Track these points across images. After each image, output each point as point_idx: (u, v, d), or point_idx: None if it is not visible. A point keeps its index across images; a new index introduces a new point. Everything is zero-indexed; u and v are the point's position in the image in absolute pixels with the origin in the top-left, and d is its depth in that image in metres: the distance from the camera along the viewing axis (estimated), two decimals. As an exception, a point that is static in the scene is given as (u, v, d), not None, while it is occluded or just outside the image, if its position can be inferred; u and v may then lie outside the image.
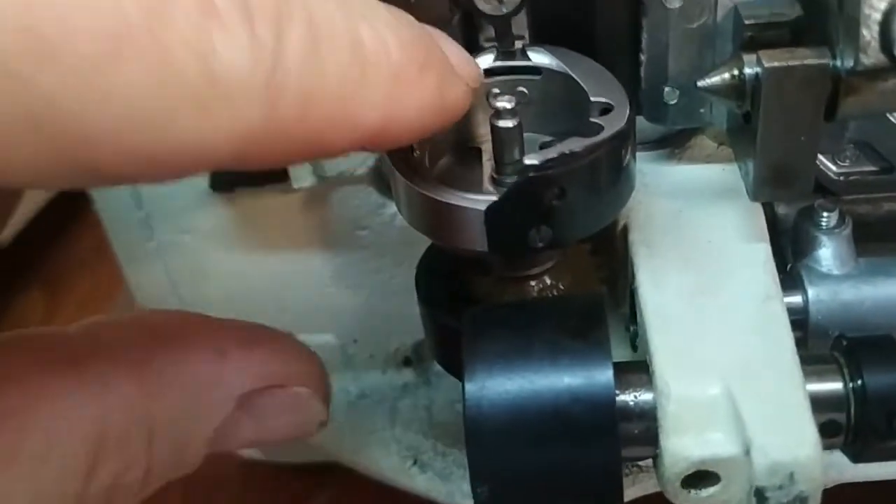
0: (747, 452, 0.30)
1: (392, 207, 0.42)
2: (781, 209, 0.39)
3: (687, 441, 0.31)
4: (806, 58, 0.31)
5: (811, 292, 0.36)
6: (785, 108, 0.32)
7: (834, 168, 0.39)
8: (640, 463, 0.41)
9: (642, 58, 0.37)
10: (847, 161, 0.39)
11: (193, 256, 0.44)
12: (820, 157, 0.39)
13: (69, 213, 0.65)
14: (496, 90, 0.36)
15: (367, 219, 0.43)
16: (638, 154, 0.39)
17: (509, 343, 0.31)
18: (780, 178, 0.33)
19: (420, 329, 0.41)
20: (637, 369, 0.33)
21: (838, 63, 0.31)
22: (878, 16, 0.29)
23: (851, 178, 0.39)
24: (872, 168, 0.39)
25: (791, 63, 0.31)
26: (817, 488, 0.29)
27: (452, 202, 0.32)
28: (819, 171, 0.39)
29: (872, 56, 0.30)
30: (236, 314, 0.46)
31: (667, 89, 0.37)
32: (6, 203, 0.59)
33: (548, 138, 0.37)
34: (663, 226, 0.37)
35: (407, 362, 0.48)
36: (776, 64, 0.31)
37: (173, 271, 0.45)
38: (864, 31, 0.29)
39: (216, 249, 0.44)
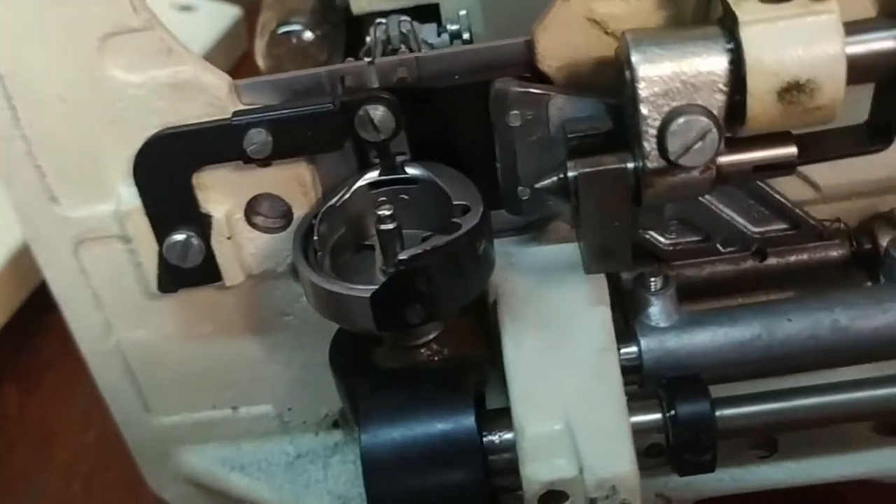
0: (581, 472, 0.38)
1: (310, 296, 0.50)
2: (624, 276, 0.48)
3: (538, 467, 0.39)
4: (609, 163, 0.41)
5: (643, 343, 0.45)
6: (598, 201, 0.41)
7: (663, 240, 0.48)
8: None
9: (498, 165, 0.46)
10: (673, 233, 0.48)
11: (148, 348, 0.52)
12: (651, 232, 0.48)
13: (39, 314, 0.73)
14: (382, 199, 0.45)
15: (290, 306, 0.51)
16: (506, 238, 0.48)
17: (394, 400, 0.40)
18: (603, 255, 0.42)
19: (344, 395, 0.49)
20: (502, 414, 0.41)
21: (638, 165, 0.41)
22: (653, 131, 0.39)
23: (678, 247, 0.48)
24: (694, 238, 0.48)
25: (597, 168, 0.40)
26: (636, 496, 0.38)
27: (345, 292, 0.41)
28: (651, 244, 0.48)
29: (654, 161, 0.39)
30: (184, 394, 0.54)
31: (520, 188, 0.46)
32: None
33: (427, 233, 0.46)
34: (525, 297, 0.46)
35: (335, 424, 0.56)
36: (585, 170, 0.40)
37: (131, 362, 0.53)
38: (645, 143, 0.39)
39: (167, 340, 0.52)
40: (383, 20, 0.56)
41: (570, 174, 0.41)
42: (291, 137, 0.44)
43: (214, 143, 0.44)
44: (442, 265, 0.40)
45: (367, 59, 0.45)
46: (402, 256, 0.40)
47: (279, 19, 0.64)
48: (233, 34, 0.92)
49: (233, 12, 0.93)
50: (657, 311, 0.45)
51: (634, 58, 0.38)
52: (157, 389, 0.54)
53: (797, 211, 0.47)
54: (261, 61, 0.64)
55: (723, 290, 0.49)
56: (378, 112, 0.43)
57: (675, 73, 0.38)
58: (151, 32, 0.43)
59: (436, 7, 0.60)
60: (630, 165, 0.41)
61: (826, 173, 0.47)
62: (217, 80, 0.45)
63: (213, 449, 0.56)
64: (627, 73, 0.39)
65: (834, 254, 0.48)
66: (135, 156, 0.45)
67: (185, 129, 0.44)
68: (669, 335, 0.44)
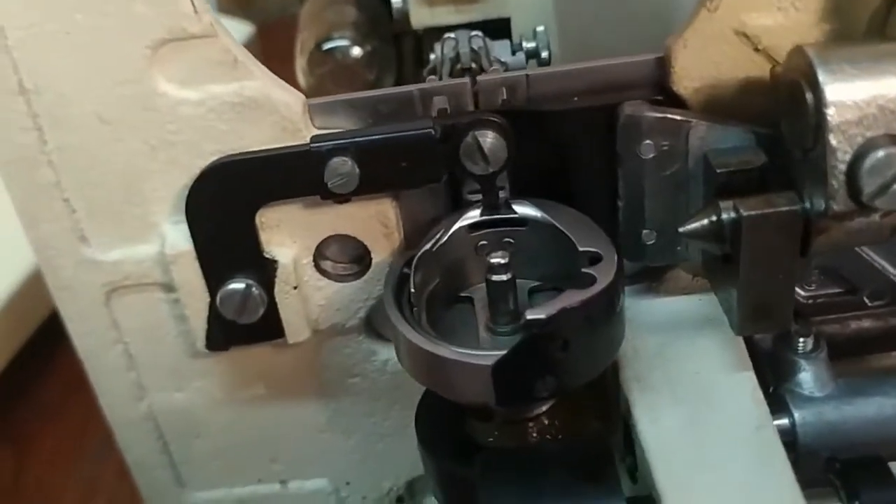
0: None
1: (383, 354, 0.43)
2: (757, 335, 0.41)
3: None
4: (780, 205, 0.34)
5: (797, 415, 0.38)
6: (764, 250, 0.34)
7: (802, 292, 0.42)
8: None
9: (620, 203, 0.39)
10: (814, 285, 0.42)
11: (186, 414, 0.44)
12: (788, 283, 0.41)
13: (32, 367, 0.64)
14: (484, 242, 0.38)
15: (359, 366, 0.44)
16: (618, 289, 0.41)
17: (522, 489, 0.32)
18: (762, 314, 0.35)
19: (412, 467, 0.41)
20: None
21: (808, 206, 0.34)
22: (843, 167, 0.32)
23: (819, 300, 0.42)
24: (838, 290, 0.42)
25: (767, 210, 0.34)
26: None
27: (458, 358, 0.33)
28: (788, 297, 0.41)
29: (841, 203, 0.32)
30: (226, 466, 0.46)
31: (645, 231, 0.39)
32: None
33: (534, 283, 0.39)
34: (651, 360, 0.39)
35: (399, 500, 0.48)
36: (754, 212, 0.34)
37: (165, 430, 0.45)
38: (833, 181, 0.32)
39: (209, 405, 0.44)
40: (451, 35, 0.50)
41: (728, 216, 0.34)
42: (382, 168, 0.37)
43: (287, 175, 0.37)
44: (581, 328, 0.33)
45: (472, 75, 0.38)
46: (534, 315, 0.32)
47: (320, 35, 0.58)
48: (245, 52, 0.85)
49: (245, 29, 0.86)
50: (810, 377, 0.38)
51: (823, 76, 0.32)
52: (193, 461, 0.46)
53: (957, 259, 0.41)
54: (302, 81, 0.57)
55: (870, 349, 0.42)
56: (488, 139, 0.36)
57: (872, 96, 0.31)
58: (213, 39, 0.36)
59: (506, 22, 0.53)
60: (801, 208, 0.34)
61: None
62: (290, 99, 0.37)
63: (256, 530, 0.48)
64: (809, 96, 0.32)
65: None
66: (188, 188, 0.37)
67: (252, 156, 0.37)
68: (828, 406, 0.38)
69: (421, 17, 0.53)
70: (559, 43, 0.54)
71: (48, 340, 0.53)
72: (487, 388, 0.33)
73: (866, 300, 0.42)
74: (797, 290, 0.41)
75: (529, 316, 0.33)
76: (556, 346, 0.33)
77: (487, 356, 0.33)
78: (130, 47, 0.36)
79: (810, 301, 0.42)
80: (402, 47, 0.60)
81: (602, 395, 0.40)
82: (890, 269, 0.41)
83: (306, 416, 0.45)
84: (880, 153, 0.31)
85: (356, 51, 0.56)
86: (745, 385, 0.37)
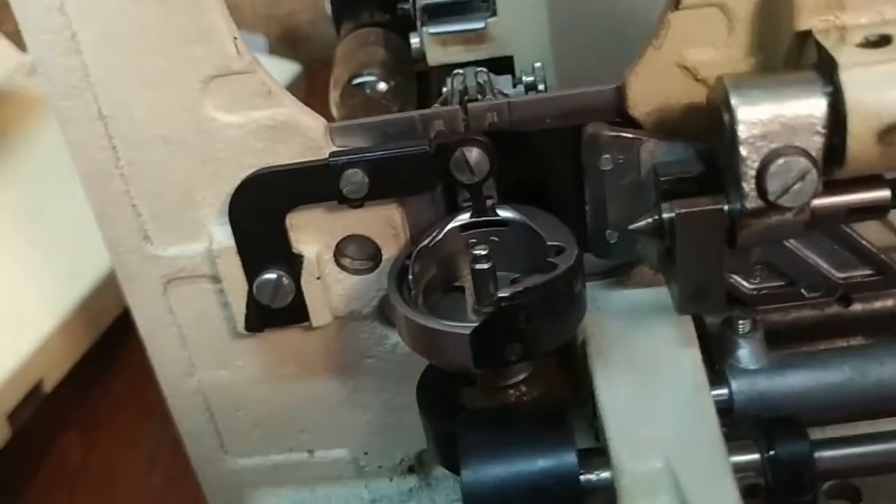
0: (685, 510, 0.38)
1: (393, 338, 0.51)
2: (709, 320, 0.49)
3: (640, 505, 0.39)
4: (705, 204, 0.41)
5: (734, 385, 0.45)
6: (693, 242, 0.41)
7: (747, 285, 0.48)
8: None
9: (587, 208, 0.46)
10: (758, 278, 0.49)
11: (229, 389, 0.52)
12: (735, 276, 0.48)
13: (103, 362, 0.73)
14: (473, 240, 0.46)
15: (373, 349, 0.51)
16: (591, 283, 0.49)
17: (493, 437, 0.40)
18: (697, 296, 0.43)
19: (420, 440, 0.49)
20: (598, 453, 0.41)
21: (732, 206, 0.41)
22: (752, 172, 0.39)
23: (762, 292, 0.49)
24: (779, 283, 0.49)
25: (694, 209, 0.41)
26: (740, 538, 0.38)
27: (443, 329, 0.41)
28: (735, 289, 0.48)
29: (753, 201, 0.40)
30: (262, 436, 0.55)
31: (608, 232, 0.47)
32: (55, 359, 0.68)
33: (517, 275, 0.46)
34: (614, 339, 0.46)
35: (411, 470, 0.56)
36: (683, 210, 0.41)
37: (211, 402, 0.53)
38: (744, 184, 0.40)
39: (249, 382, 0.52)
40: (461, 71, 0.58)
41: (666, 215, 0.42)
42: (387, 178, 0.45)
43: (310, 184, 0.45)
44: (541, 303, 0.41)
45: (463, 101, 0.46)
46: (502, 294, 0.40)
47: (352, 71, 0.66)
48: (292, 88, 0.93)
49: (292, 68, 0.95)
50: (746, 353, 0.45)
51: (734, 100, 0.39)
52: (235, 431, 0.54)
53: (882, 256, 0.48)
54: (335, 111, 0.66)
55: (807, 335, 0.49)
56: (473, 154, 0.44)
57: (774, 115, 0.39)
58: (253, 75, 0.45)
59: (510, 59, 0.61)
60: (725, 207, 0.41)
61: (912, 220, 0.47)
62: (313, 122, 0.46)
63: (287, 493, 0.56)
64: (726, 116, 0.40)
65: (919, 301, 0.49)
66: (231, 195, 0.46)
67: (282, 168, 0.46)
68: (760, 377, 0.45)
69: (436, 56, 0.61)
70: (556, 76, 0.62)
71: (118, 339, 0.62)
72: (467, 353, 0.41)
73: (804, 292, 0.48)
74: (743, 282, 0.48)
75: (499, 294, 0.41)
76: (520, 318, 0.40)
77: (466, 326, 0.41)
78: (187, 82, 0.44)
79: (755, 293, 0.48)
80: (425, 82, 0.69)
81: (573, 367, 0.47)
82: (823, 264, 0.48)
83: (329, 393, 0.53)
84: (781, 160, 0.39)
85: (382, 85, 0.64)
86: (690, 358, 0.44)
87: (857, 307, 0.49)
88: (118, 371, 0.71)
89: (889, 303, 0.49)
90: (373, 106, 0.65)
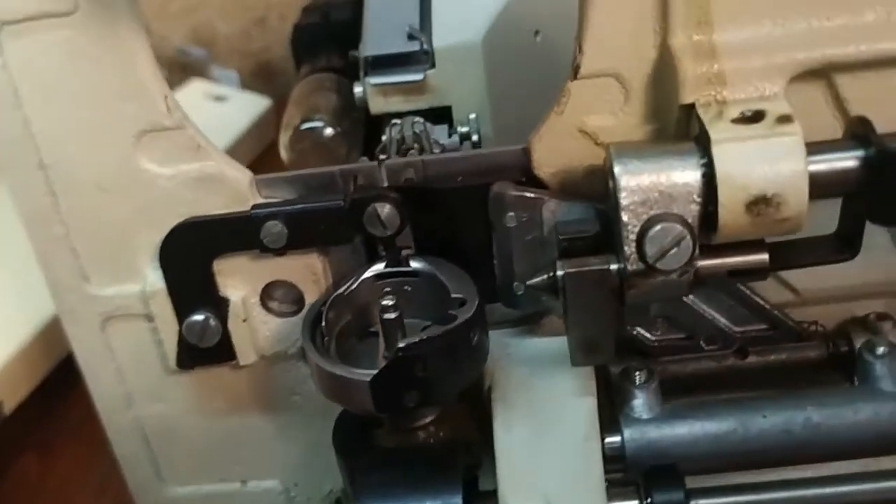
0: (559, 552, 0.41)
1: (318, 377, 0.54)
2: (614, 369, 0.51)
3: (519, 547, 0.42)
4: (593, 264, 0.44)
5: (626, 433, 0.47)
6: (583, 299, 0.44)
7: (650, 336, 0.51)
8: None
9: (495, 262, 0.49)
10: (659, 330, 0.51)
11: (165, 421, 0.55)
12: (638, 328, 0.51)
13: (62, 389, 0.76)
14: (387, 289, 0.49)
15: (299, 387, 0.54)
16: (503, 330, 0.51)
17: (389, 478, 0.43)
18: (588, 349, 0.45)
19: (346, 473, 0.51)
20: (490, 496, 0.44)
21: (620, 266, 0.44)
22: (633, 236, 0.42)
23: (664, 343, 0.51)
24: (679, 335, 0.51)
25: (582, 269, 0.44)
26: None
27: (347, 375, 0.44)
28: (638, 340, 0.51)
29: (634, 264, 0.42)
30: (197, 466, 0.57)
31: (515, 284, 0.49)
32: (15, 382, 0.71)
33: (427, 322, 0.49)
34: (517, 385, 0.49)
35: (339, 502, 0.58)
36: (572, 269, 0.44)
37: (148, 433, 0.56)
38: (626, 248, 0.42)
39: (183, 414, 0.55)
40: (398, 121, 0.61)
41: (559, 273, 0.45)
42: (305, 230, 0.48)
43: (234, 233, 0.48)
44: (438, 354, 0.43)
45: (379, 158, 0.49)
46: (400, 344, 0.43)
47: (303, 115, 0.69)
48: (263, 123, 0.98)
49: (263, 102, 0.98)
50: (640, 403, 0.48)
51: (616, 169, 0.42)
52: (171, 461, 0.57)
53: (776, 313, 0.50)
54: (284, 154, 0.69)
55: (706, 385, 0.51)
56: (385, 209, 0.47)
57: (653, 183, 0.42)
58: (182, 131, 0.48)
59: (448, 109, 0.64)
60: (614, 267, 0.44)
61: (804, 278, 0.50)
62: (239, 175, 0.49)
63: (221, 520, 0.58)
64: (611, 183, 0.43)
65: (812, 354, 0.51)
66: (161, 242, 0.49)
67: (209, 219, 0.49)
68: (651, 427, 0.47)
69: (377, 105, 0.64)
70: (493, 126, 0.65)
71: (76, 368, 0.64)
72: (368, 398, 0.44)
73: (703, 344, 0.51)
74: (645, 333, 0.51)
75: (399, 344, 0.43)
76: (418, 367, 0.43)
77: (367, 374, 0.44)
78: (122, 135, 0.47)
79: (656, 344, 0.51)
80: (376, 128, 0.72)
81: (480, 410, 0.50)
82: (720, 318, 0.51)
83: (258, 426, 0.56)
84: (658, 227, 0.41)
85: (329, 131, 0.67)
86: (585, 407, 0.47)
87: (753, 360, 0.51)
88: (75, 398, 0.74)
89: (783, 356, 0.51)
90: (321, 150, 0.68)
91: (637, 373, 0.49)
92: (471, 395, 0.49)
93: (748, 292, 0.50)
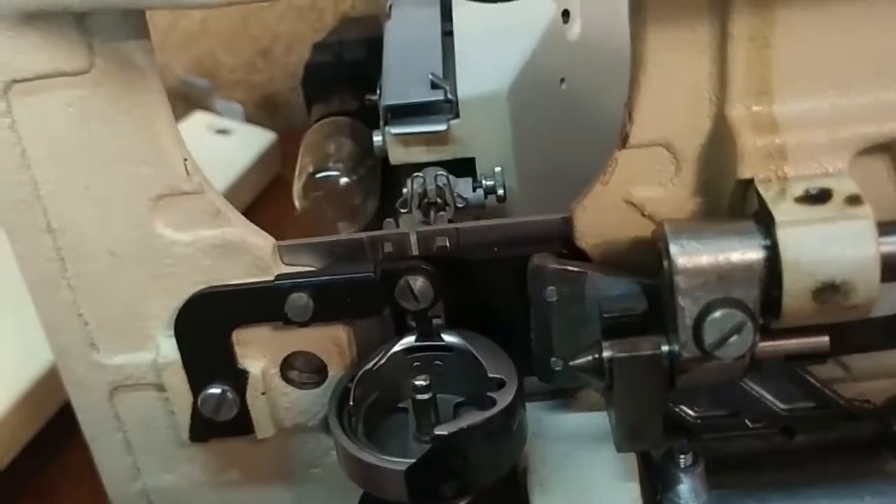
0: None
1: (339, 450, 0.51)
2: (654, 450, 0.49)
3: None
4: (644, 349, 0.41)
5: (672, 522, 0.45)
6: (631, 384, 0.42)
7: (692, 413, 0.49)
8: None
9: (532, 336, 0.46)
10: (702, 407, 0.49)
11: (174, 494, 0.52)
12: (680, 405, 0.49)
13: (60, 440, 0.73)
14: (417, 363, 0.46)
15: (319, 459, 0.51)
16: (536, 403, 0.49)
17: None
18: (635, 435, 0.43)
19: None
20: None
21: (673, 349, 0.41)
22: (690, 322, 0.40)
23: (707, 420, 0.49)
24: (723, 412, 0.49)
25: (633, 353, 0.41)
26: None
27: (379, 464, 0.41)
28: (680, 416, 0.48)
29: (690, 351, 0.40)
30: (209, 543, 0.54)
31: (553, 359, 0.47)
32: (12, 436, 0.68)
33: (460, 398, 0.47)
34: (555, 468, 0.46)
35: (357, 577, 0.55)
36: (622, 355, 0.41)
37: (157, 506, 0.53)
38: (682, 334, 0.40)
39: (193, 487, 0.52)
40: (420, 174, 0.58)
41: (605, 355, 0.42)
42: (332, 303, 0.45)
43: (256, 304, 0.45)
44: (478, 443, 0.41)
45: (401, 212, 0.46)
46: (438, 432, 0.40)
47: (316, 164, 0.66)
48: (267, 157, 0.95)
49: (268, 136, 0.95)
50: (686, 489, 0.45)
51: (673, 249, 0.39)
52: (180, 537, 0.54)
53: (825, 390, 0.48)
54: (297, 202, 0.66)
55: (751, 464, 0.49)
56: (418, 282, 0.45)
57: (712, 265, 0.39)
58: (202, 195, 0.45)
59: (472, 161, 0.62)
60: (665, 349, 0.41)
61: (857, 355, 0.47)
62: (261, 242, 0.46)
63: None
64: (666, 263, 0.40)
65: (862, 433, 0.49)
66: (177, 311, 0.46)
67: (229, 288, 0.46)
68: (698, 515, 0.44)
69: (398, 155, 0.61)
70: (518, 180, 0.62)
71: (74, 414, 0.61)
72: (403, 489, 0.41)
73: (747, 422, 0.49)
74: (687, 410, 0.49)
75: (436, 432, 0.41)
76: (456, 457, 0.40)
77: (402, 463, 0.41)
78: (137, 200, 0.44)
79: (699, 421, 0.49)
80: (394, 175, 0.69)
81: (516, 495, 0.47)
82: (767, 395, 0.48)
83: (274, 500, 0.53)
84: (718, 313, 0.39)
85: (344, 180, 0.65)
86: (628, 494, 0.44)
87: (801, 439, 0.49)
88: (75, 446, 0.71)
89: (833, 435, 0.49)
90: (335, 199, 0.66)
91: (682, 455, 0.46)
92: (505, 476, 0.46)
93: (797, 369, 0.47)
